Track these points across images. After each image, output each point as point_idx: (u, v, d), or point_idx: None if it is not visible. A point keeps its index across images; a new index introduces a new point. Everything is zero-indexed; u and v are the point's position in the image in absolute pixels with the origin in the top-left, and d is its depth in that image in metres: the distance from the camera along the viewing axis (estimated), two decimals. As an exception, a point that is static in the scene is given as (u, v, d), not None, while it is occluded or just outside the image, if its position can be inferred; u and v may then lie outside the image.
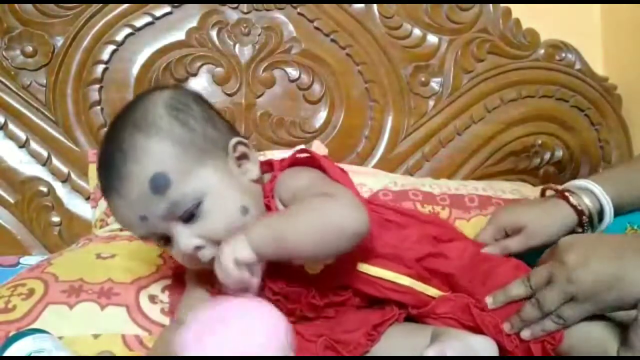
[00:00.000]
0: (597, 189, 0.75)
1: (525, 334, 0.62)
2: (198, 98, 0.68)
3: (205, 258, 0.61)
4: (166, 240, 0.63)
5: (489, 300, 0.65)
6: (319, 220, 0.58)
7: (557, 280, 0.60)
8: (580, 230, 0.76)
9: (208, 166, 0.62)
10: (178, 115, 0.63)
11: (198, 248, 0.60)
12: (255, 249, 0.56)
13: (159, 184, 0.59)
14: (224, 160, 0.64)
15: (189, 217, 0.60)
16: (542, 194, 0.83)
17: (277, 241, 0.58)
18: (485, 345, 0.61)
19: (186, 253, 0.60)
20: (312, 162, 0.68)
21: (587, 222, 0.75)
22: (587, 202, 0.75)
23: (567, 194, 0.76)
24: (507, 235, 0.77)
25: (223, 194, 0.62)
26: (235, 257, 0.55)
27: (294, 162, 0.69)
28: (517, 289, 0.64)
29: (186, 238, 0.60)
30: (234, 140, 0.66)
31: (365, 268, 0.67)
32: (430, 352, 0.57)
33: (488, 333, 0.63)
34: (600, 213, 0.75)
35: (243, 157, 0.66)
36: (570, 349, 0.62)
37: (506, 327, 0.64)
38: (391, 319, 0.66)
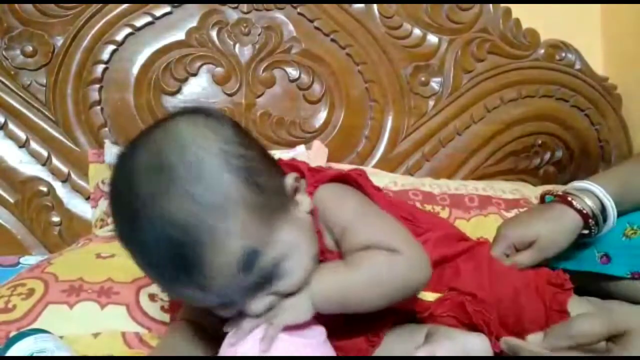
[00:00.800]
0: (597, 189, 0.75)
1: None
2: (248, 133, 0.58)
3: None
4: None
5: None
6: (387, 284, 0.57)
7: None
8: (586, 232, 0.75)
9: (281, 222, 0.55)
10: (246, 176, 0.53)
11: (271, 305, 0.55)
12: (316, 309, 0.55)
13: (249, 263, 0.52)
14: (288, 208, 0.58)
15: (268, 280, 0.54)
16: (542, 199, 0.82)
17: (341, 303, 0.57)
18: (478, 343, 0.60)
19: (256, 314, 0.55)
20: (348, 179, 0.64)
21: (593, 224, 0.74)
22: (589, 203, 0.74)
23: (569, 198, 0.75)
24: (517, 249, 0.76)
25: (299, 248, 0.56)
26: (296, 320, 0.54)
27: (335, 178, 0.64)
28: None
29: (260, 300, 0.54)
30: (290, 181, 0.59)
31: None
32: (421, 353, 0.57)
33: (482, 330, 0.63)
34: (603, 213, 0.75)
35: (296, 191, 0.60)
36: None
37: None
38: (391, 324, 0.66)
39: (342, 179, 0.64)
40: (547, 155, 1.43)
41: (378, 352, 0.64)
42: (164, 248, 0.50)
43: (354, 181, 0.65)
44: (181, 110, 0.58)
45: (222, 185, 0.51)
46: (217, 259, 0.50)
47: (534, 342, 0.54)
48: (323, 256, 0.60)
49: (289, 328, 0.54)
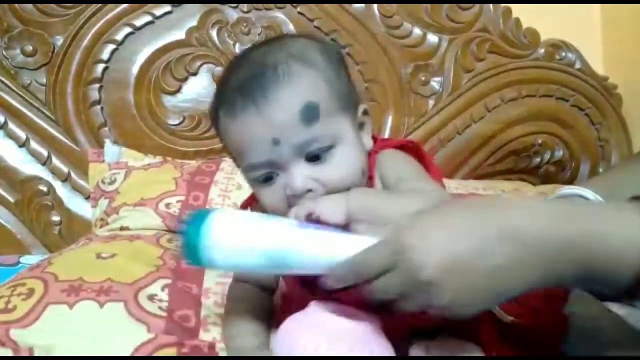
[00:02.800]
0: (588, 193, 0.74)
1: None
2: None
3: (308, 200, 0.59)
4: (268, 177, 0.60)
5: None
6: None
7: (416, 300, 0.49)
8: None
9: (346, 116, 0.62)
10: (332, 61, 0.62)
11: (309, 191, 0.58)
12: (349, 214, 0.56)
13: (310, 115, 0.58)
14: (354, 119, 0.64)
15: (315, 157, 0.59)
16: None
17: (373, 215, 0.57)
18: (472, 348, 0.61)
19: (296, 192, 0.58)
20: (414, 152, 0.69)
21: None
22: None
23: None
24: None
25: (353, 147, 0.61)
26: (327, 212, 0.55)
27: (397, 146, 0.69)
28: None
29: (304, 177, 0.58)
30: (364, 106, 0.66)
31: None
32: (414, 351, 0.57)
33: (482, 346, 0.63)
34: None
35: (362, 125, 0.66)
36: None
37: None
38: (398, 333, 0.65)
39: (406, 148, 0.69)
40: (547, 155, 1.43)
41: None
42: (249, 75, 0.59)
43: (417, 151, 0.69)
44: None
45: (312, 52, 0.61)
46: (286, 91, 0.57)
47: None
48: None
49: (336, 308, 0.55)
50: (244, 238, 0.53)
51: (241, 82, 0.59)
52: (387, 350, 0.55)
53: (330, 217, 0.55)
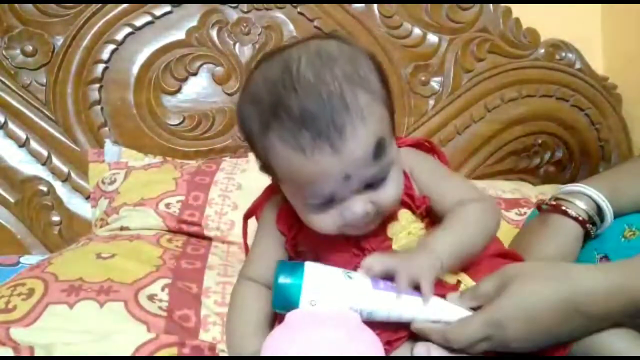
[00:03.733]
0: (590, 191, 0.74)
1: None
2: None
3: (361, 222, 0.61)
4: (325, 203, 0.61)
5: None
6: (490, 226, 0.65)
7: (496, 340, 0.59)
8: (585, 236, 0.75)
9: (393, 139, 0.63)
10: (381, 76, 0.62)
11: (367, 214, 0.60)
12: (444, 266, 0.60)
13: (380, 151, 0.58)
14: (394, 133, 0.65)
15: (375, 183, 0.60)
16: (538, 207, 0.80)
17: (461, 256, 0.62)
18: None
19: (356, 217, 0.60)
20: (427, 150, 0.72)
21: (591, 227, 0.74)
22: (583, 207, 0.73)
23: (563, 207, 0.74)
24: None
25: (399, 165, 0.63)
26: (432, 275, 0.58)
27: (413, 145, 0.72)
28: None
29: (364, 202, 0.60)
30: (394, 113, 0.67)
31: None
32: (416, 352, 0.57)
33: None
34: (600, 214, 0.74)
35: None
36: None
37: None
38: (404, 338, 0.65)
39: (418, 145, 0.73)
40: (547, 155, 1.43)
41: None
42: (316, 107, 0.55)
43: (429, 146, 0.73)
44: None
45: (367, 73, 0.60)
46: (361, 129, 0.56)
47: (451, 299, 0.61)
48: (414, 202, 0.66)
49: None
50: (336, 297, 0.58)
51: (307, 114, 0.55)
52: (374, 344, 0.55)
53: (433, 276, 0.58)
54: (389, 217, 0.66)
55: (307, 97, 0.56)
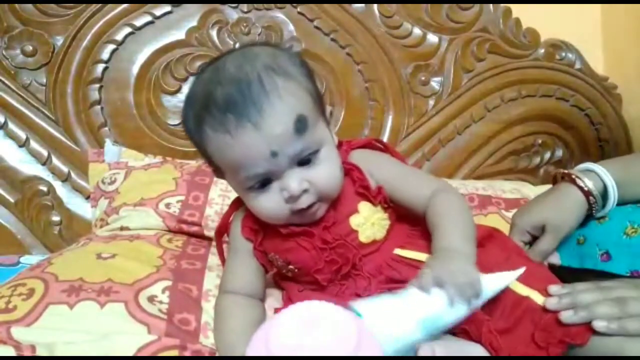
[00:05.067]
0: (600, 169, 0.79)
1: (600, 324, 0.61)
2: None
3: (304, 204, 0.64)
4: (263, 184, 0.65)
5: (552, 302, 0.65)
6: (470, 212, 0.70)
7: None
8: (589, 212, 0.79)
9: (323, 120, 0.68)
10: (303, 69, 0.66)
11: (305, 191, 0.64)
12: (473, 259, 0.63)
13: (301, 126, 0.62)
14: (326, 120, 0.69)
15: (306, 161, 0.64)
16: (554, 179, 0.86)
17: (475, 242, 0.66)
18: (476, 349, 0.61)
19: (293, 194, 0.63)
20: (380, 149, 0.76)
21: (594, 202, 0.78)
22: (590, 184, 0.78)
23: (573, 176, 0.80)
24: (533, 238, 0.81)
25: (332, 148, 0.68)
26: (472, 281, 0.60)
27: (364, 145, 0.75)
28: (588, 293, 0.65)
29: (298, 180, 0.63)
30: (329, 107, 0.72)
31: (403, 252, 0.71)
32: (421, 352, 0.57)
33: (485, 341, 0.63)
34: (605, 193, 0.78)
35: (329, 124, 0.71)
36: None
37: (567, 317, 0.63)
38: None
39: (369, 145, 0.76)
40: (547, 155, 1.43)
41: None
42: (239, 92, 0.61)
43: (381, 145, 0.76)
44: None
45: (285, 63, 0.64)
46: (279, 106, 0.61)
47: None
48: (370, 193, 0.70)
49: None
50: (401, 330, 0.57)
51: (229, 99, 0.61)
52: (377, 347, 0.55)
53: (473, 280, 0.60)
54: (350, 210, 0.69)
55: (229, 87, 0.61)
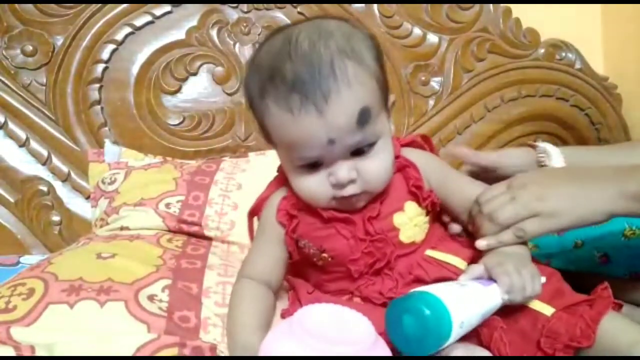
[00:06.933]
0: (551, 147, 0.90)
1: (481, 243, 0.67)
2: None
3: (347, 192, 0.64)
4: (313, 165, 0.64)
5: (482, 243, 0.67)
6: None
7: (522, 198, 0.65)
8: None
9: (385, 110, 0.66)
10: (375, 54, 0.65)
11: (352, 181, 0.63)
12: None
13: (364, 119, 0.61)
14: (388, 111, 0.68)
15: (360, 152, 0.63)
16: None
17: None
18: (477, 350, 0.62)
19: (339, 182, 0.63)
20: (420, 144, 0.76)
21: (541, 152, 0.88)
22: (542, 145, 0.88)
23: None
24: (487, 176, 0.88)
25: (388, 141, 0.66)
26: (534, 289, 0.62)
27: (408, 143, 0.75)
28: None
29: (348, 169, 0.63)
30: (393, 97, 0.70)
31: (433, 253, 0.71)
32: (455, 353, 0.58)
33: (494, 347, 0.63)
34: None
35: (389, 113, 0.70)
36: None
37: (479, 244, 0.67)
38: None
39: (413, 142, 0.76)
40: (547, 155, 1.43)
41: None
42: (307, 74, 0.59)
43: (423, 141, 0.76)
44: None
45: (360, 46, 0.62)
46: (346, 95, 0.59)
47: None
48: (421, 194, 0.69)
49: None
50: (473, 309, 0.60)
51: (297, 79, 0.60)
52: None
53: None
54: (396, 207, 0.68)
55: (300, 65, 0.60)
